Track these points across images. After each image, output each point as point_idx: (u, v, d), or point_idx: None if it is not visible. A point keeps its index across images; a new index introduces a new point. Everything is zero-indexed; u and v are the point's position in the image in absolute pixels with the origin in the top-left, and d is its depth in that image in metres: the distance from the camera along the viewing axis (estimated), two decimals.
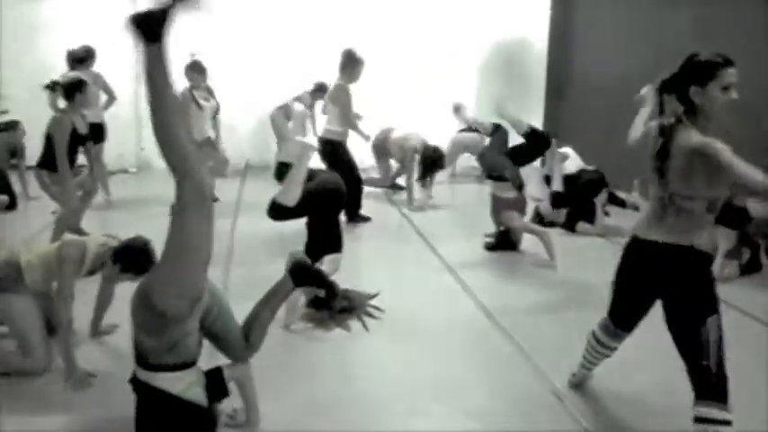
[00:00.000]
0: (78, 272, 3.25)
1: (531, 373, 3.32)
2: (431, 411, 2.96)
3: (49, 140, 4.93)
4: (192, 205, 2.18)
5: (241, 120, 8.58)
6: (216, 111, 6.86)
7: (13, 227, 6.05)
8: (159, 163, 8.19)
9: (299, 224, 4.20)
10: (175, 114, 2.14)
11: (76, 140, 4.98)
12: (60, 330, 3.12)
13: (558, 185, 6.00)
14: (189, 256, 2.25)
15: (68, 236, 3.44)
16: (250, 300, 2.69)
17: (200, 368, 2.50)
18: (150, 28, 2.02)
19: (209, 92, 6.64)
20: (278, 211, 3.97)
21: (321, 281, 2.69)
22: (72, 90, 5.00)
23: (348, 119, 6.16)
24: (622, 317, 2.83)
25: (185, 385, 2.39)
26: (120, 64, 7.43)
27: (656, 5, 7.15)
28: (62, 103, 5.22)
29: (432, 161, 6.84)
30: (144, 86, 2.10)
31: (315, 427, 2.83)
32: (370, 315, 3.73)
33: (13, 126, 6.91)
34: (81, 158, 5.20)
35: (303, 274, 2.67)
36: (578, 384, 3.12)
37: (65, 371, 3.11)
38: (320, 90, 7.51)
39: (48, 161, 4.94)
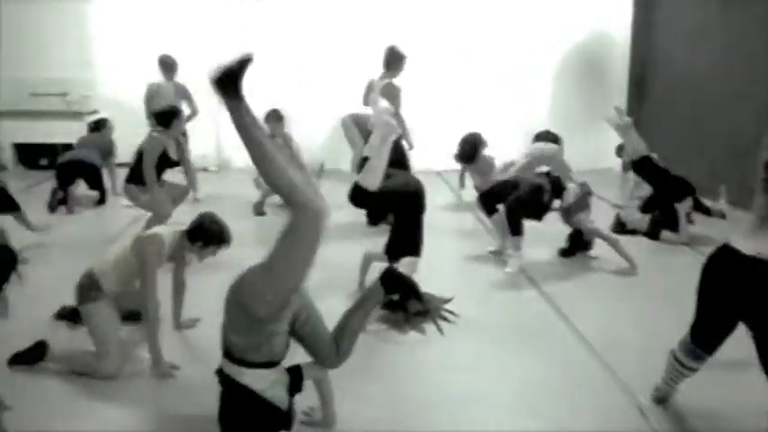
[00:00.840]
0: (161, 263, 3.38)
1: (613, 386, 3.21)
2: (510, 422, 2.90)
3: (140, 157, 5.22)
4: (304, 230, 2.25)
5: (316, 125, 8.67)
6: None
7: (103, 222, 6.38)
8: (238, 162, 8.42)
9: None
10: (275, 157, 2.23)
11: (165, 162, 5.28)
12: (147, 324, 3.24)
13: (645, 190, 5.80)
14: (291, 271, 2.32)
15: (144, 232, 3.55)
16: (327, 300, 2.72)
17: (284, 367, 2.54)
18: (231, 86, 2.17)
19: (287, 139, 6.68)
20: (357, 195, 4.03)
21: (411, 289, 2.68)
22: (170, 117, 5.30)
23: (398, 117, 6.05)
24: (705, 337, 2.68)
25: (268, 384, 2.44)
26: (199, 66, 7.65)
27: None
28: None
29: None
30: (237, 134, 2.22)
31: (390, 427, 2.84)
32: (445, 319, 3.75)
33: (102, 124, 7.27)
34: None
35: (394, 281, 2.66)
36: (663, 399, 2.98)
37: (151, 362, 3.24)
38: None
39: (136, 176, 5.24)
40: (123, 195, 5.70)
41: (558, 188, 5.10)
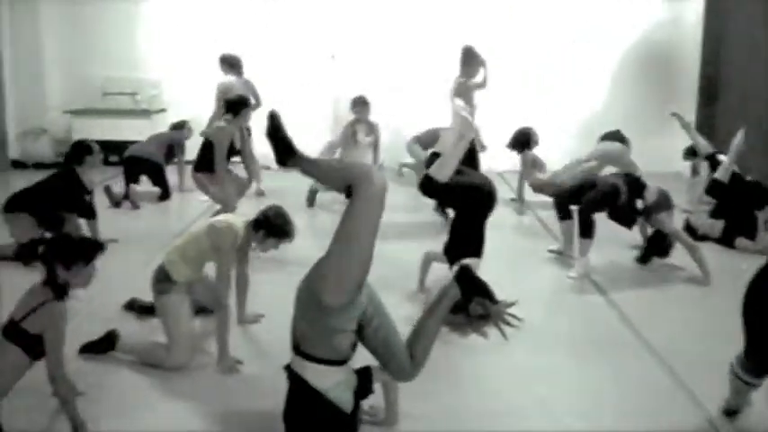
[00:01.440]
0: (233, 253, 3.45)
1: (682, 398, 3.08)
2: None
3: (207, 146, 5.38)
4: (363, 199, 2.27)
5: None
6: (374, 145, 6.98)
7: (169, 217, 6.56)
8: None
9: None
10: (330, 172, 2.48)
11: (230, 152, 5.42)
12: (218, 315, 3.31)
13: (722, 175, 5.36)
14: (352, 247, 2.31)
15: (215, 220, 3.62)
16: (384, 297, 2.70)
17: (352, 369, 2.52)
18: (289, 159, 2.47)
19: (371, 126, 6.81)
20: (428, 186, 4.06)
21: (486, 292, 2.64)
22: (239, 106, 5.44)
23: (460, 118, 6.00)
24: (759, 355, 2.56)
25: (333, 383, 2.41)
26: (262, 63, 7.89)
27: None
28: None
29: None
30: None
31: (452, 428, 2.80)
32: (508, 323, 3.67)
33: (181, 126, 7.50)
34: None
35: (470, 283, 2.62)
36: (733, 411, 2.83)
37: (218, 356, 3.30)
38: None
39: (204, 164, 5.38)
40: (191, 189, 5.85)
41: (637, 188, 4.86)
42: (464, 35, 7.07)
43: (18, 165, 8.58)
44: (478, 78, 6.35)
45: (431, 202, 6.15)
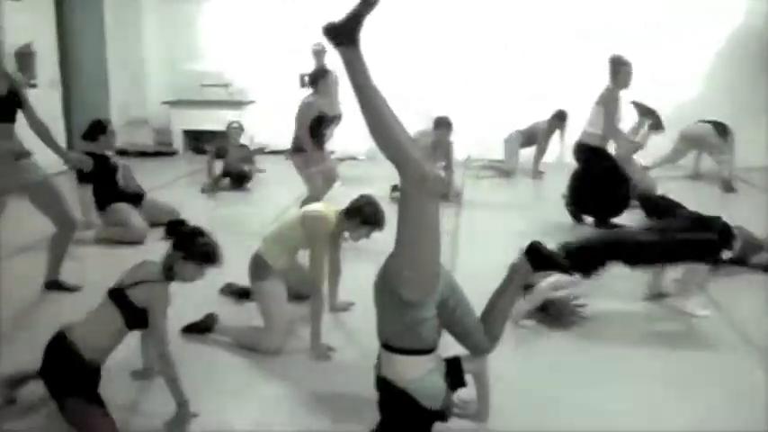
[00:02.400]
0: (326, 242, 3.49)
1: None
2: None
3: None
4: (414, 191, 2.19)
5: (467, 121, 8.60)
6: (447, 167, 6.83)
7: (263, 204, 6.73)
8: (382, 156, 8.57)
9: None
10: (384, 110, 2.14)
11: (322, 122, 5.49)
12: (312, 302, 3.36)
13: None
14: (419, 240, 2.26)
15: (309, 208, 3.67)
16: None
17: (440, 356, 2.50)
18: (344, 34, 2.08)
19: (448, 147, 6.63)
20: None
21: (558, 264, 2.63)
22: (316, 77, 5.54)
23: (610, 126, 5.62)
24: None
25: (423, 372, 2.40)
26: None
27: None
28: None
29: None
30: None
31: (544, 427, 2.73)
32: (576, 315, 3.64)
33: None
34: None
35: (540, 257, 2.59)
36: None
37: (310, 342, 3.35)
38: (559, 118, 7.78)
39: (297, 144, 5.48)
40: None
41: (726, 236, 4.04)
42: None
43: (121, 153, 9.05)
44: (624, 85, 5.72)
45: None
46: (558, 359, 3.38)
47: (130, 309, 2.59)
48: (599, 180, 5.60)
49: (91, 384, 2.55)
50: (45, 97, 7.50)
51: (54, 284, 4.11)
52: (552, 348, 3.50)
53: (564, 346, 3.53)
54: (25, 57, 7.12)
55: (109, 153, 5.40)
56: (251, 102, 9.20)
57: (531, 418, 2.80)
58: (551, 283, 3.69)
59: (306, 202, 5.42)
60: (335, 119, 6.38)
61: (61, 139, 7.34)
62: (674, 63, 8.44)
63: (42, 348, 2.62)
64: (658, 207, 4.46)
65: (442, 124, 6.44)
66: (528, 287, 3.64)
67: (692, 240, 3.80)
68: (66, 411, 2.49)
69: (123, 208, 5.25)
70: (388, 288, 2.34)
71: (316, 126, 5.45)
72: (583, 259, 3.63)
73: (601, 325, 3.77)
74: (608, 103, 5.56)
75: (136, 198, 5.48)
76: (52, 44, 7.77)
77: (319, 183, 5.51)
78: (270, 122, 8.80)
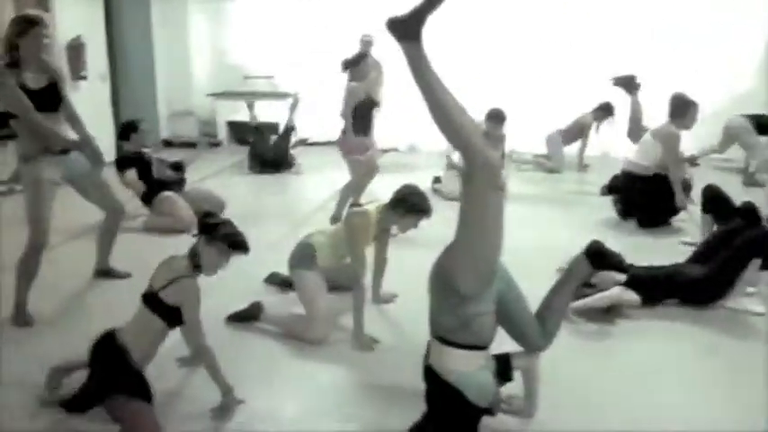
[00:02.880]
0: (368, 238, 3.48)
1: None
2: None
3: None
4: (480, 183, 2.15)
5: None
6: (502, 156, 6.74)
7: (304, 194, 6.77)
8: (425, 145, 8.52)
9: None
10: (449, 101, 2.11)
11: (368, 108, 5.55)
12: (354, 294, 3.35)
13: None
14: (480, 234, 2.22)
15: (353, 208, 3.68)
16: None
17: (491, 354, 2.46)
18: (407, 29, 2.07)
19: (500, 140, 6.55)
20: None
21: (619, 264, 2.58)
22: (353, 63, 5.59)
23: (676, 164, 5.39)
24: None
25: (475, 367, 2.36)
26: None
27: None
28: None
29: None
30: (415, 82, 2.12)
31: (591, 425, 2.66)
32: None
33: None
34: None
35: (600, 256, 2.54)
36: None
37: (353, 333, 3.35)
38: (605, 110, 7.66)
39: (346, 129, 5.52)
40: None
41: None
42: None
43: (168, 144, 9.23)
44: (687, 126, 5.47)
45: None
46: (610, 356, 3.30)
47: (166, 310, 2.62)
48: (647, 190, 5.47)
49: (137, 382, 2.59)
50: (94, 89, 7.69)
51: (104, 272, 4.20)
52: (604, 345, 3.41)
53: (615, 343, 3.45)
54: (75, 49, 7.31)
55: (144, 150, 5.55)
56: (293, 94, 9.24)
57: (579, 417, 2.73)
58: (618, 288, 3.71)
59: (347, 188, 5.45)
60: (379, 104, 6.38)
61: (110, 131, 7.54)
62: (727, 56, 8.13)
63: (91, 339, 2.67)
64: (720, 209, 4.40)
65: (496, 117, 6.34)
66: (587, 285, 3.60)
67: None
68: (111, 407, 2.53)
69: (170, 197, 5.35)
70: (443, 280, 2.31)
71: (362, 112, 5.48)
72: (647, 289, 3.75)
73: (654, 321, 3.68)
74: (669, 142, 5.34)
75: (177, 184, 5.63)
76: (101, 38, 7.94)
77: (363, 170, 5.51)
78: (311, 114, 8.85)
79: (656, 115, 5.68)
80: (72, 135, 3.70)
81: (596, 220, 5.65)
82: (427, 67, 2.11)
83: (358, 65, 5.60)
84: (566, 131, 7.93)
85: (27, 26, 3.36)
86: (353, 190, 5.44)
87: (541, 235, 5.20)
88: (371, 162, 5.66)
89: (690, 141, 6.17)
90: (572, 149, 7.98)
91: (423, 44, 2.09)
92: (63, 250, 4.73)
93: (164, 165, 5.72)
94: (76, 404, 2.59)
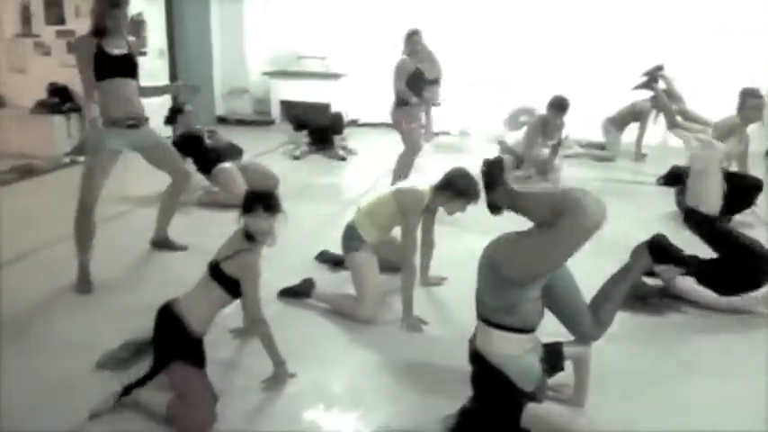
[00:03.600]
0: (418, 216, 3.48)
1: None
2: None
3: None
4: (572, 225, 2.14)
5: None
6: (558, 143, 6.62)
7: (356, 174, 6.80)
8: (477, 129, 8.43)
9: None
10: (541, 204, 2.22)
11: (418, 80, 5.60)
12: (403, 275, 3.37)
13: None
14: (545, 254, 2.23)
15: (402, 184, 3.67)
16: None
17: (538, 338, 2.45)
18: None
19: (559, 128, 6.41)
20: (692, 218, 3.81)
21: (679, 259, 2.56)
22: (407, 39, 5.60)
23: (744, 158, 5.22)
24: None
25: (520, 351, 2.36)
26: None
27: None
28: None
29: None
30: None
31: (639, 418, 2.62)
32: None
33: None
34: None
35: (662, 249, 2.51)
36: None
37: (403, 313, 3.37)
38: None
39: (398, 100, 5.55)
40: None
41: None
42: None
43: (221, 121, 9.39)
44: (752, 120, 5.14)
45: None
46: (661, 350, 3.23)
47: (228, 281, 2.68)
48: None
49: (194, 350, 2.66)
50: (153, 66, 7.87)
51: (161, 243, 4.34)
52: (655, 339, 3.34)
53: (666, 336, 3.38)
54: (136, 25, 7.48)
55: (193, 129, 5.73)
56: (344, 75, 9.26)
57: (626, 409, 2.69)
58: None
59: (402, 158, 5.48)
60: (435, 81, 6.33)
61: (167, 107, 7.70)
62: None
63: (149, 308, 2.76)
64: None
65: (559, 105, 6.22)
66: (649, 274, 3.54)
67: None
68: (170, 374, 2.60)
69: (229, 170, 5.45)
70: (494, 265, 2.31)
71: (412, 83, 5.52)
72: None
73: (701, 318, 3.58)
74: (733, 134, 4.98)
75: (234, 152, 5.77)
76: (161, 15, 8.10)
77: (417, 138, 5.57)
78: (361, 96, 8.87)
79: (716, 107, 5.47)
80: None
81: (653, 212, 5.51)
82: (528, 200, 2.34)
83: (409, 38, 5.62)
84: (618, 118, 7.70)
85: (114, 3, 3.58)
86: (402, 166, 5.48)
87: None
88: (416, 135, 5.66)
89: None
90: (625, 137, 7.76)
91: (511, 190, 2.40)
92: (124, 221, 4.89)
93: (218, 136, 5.88)
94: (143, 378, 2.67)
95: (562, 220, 2.13)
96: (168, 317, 2.66)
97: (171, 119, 5.85)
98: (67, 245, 3.78)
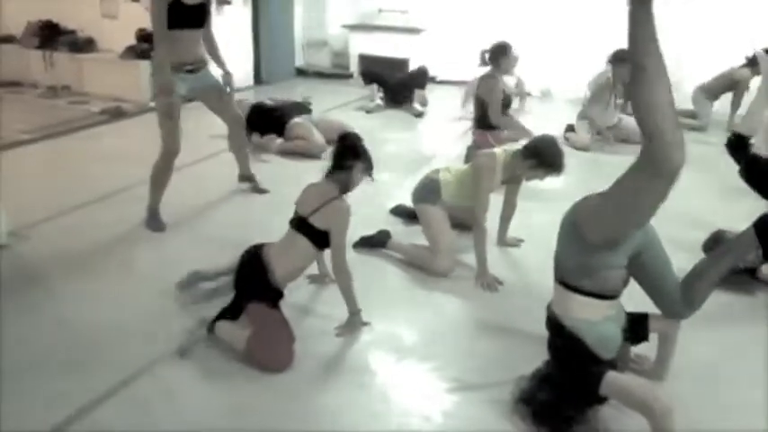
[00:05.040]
0: (494, 180, 3.40)
1: None
2: None
3: (480, 102, 5.28)
4: (649, 169, 1.94)
5: None
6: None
7: (428, 133, 6.72)
8: (559, 91, 8.12)
9: None
10: (653, 76, 1.84)
11: (507, 105, 5.43)
12: (474, 233, 3.33)
13: None
14: (627, 208, 2.07)
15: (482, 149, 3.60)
16: None
17: (622, 306, 2.35)
18: None
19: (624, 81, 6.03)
20: (752, 167, 3.53)
21: None
22: (496, 54, 5.16)
23: None
24: None
25: (599, 317, 2.27)
26: None
27: None
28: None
29: None
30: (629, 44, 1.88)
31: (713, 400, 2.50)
32: None
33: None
34: None
35: None
36: None
37: (477, 271, 3.33)
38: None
39: (482, 121, 5.31)
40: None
41: None
42: None
43: (301, 72, 9.43)
44: None
45: None
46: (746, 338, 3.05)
47: (317, 234, 2.70)
48: None
49: (274, 297, 2.72)
50: (237, 14, 7.95)
51: (247, 178, 4.56)
52: (743, 324, 3.17)
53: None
54: None
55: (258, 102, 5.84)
56: (424, 30, 9.08)
57: (701, 391, 2.57)
58: None
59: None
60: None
61: (249, 55, 7.84)
62: None
63: (232, 249, 2.83)
64: None
65: (622, 59, 5.61)
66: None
67: None
68: (250, 312, 2.67)
69: (302, 123, 5.49)
70: (575, 227, 2.21)
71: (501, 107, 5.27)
72: None
73: None
74: None
75: (302, 109, 5.84)
76: None
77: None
78: (439, 52, 8.67)
79: None
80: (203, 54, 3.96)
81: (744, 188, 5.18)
82: (650, 33, 1.85)
83: (506, 56, 5.19)
84: (711, 86, 7.23)
85: None
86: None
87: (686, 202, 4.86)
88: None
89: None
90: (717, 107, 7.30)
91: (652, 8, 1.84)
92: (204, 166, 5.03)
93: (281, 99, 5.97)
94: (224, 313, 2.75)
95: (646, 162, 1.95)
96: (254, 262, 2.71)
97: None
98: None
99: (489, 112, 5.20)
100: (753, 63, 6.91)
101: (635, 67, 1.89)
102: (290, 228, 2.78)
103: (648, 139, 1.88)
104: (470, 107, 6.10)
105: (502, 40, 5.28)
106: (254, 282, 2.70)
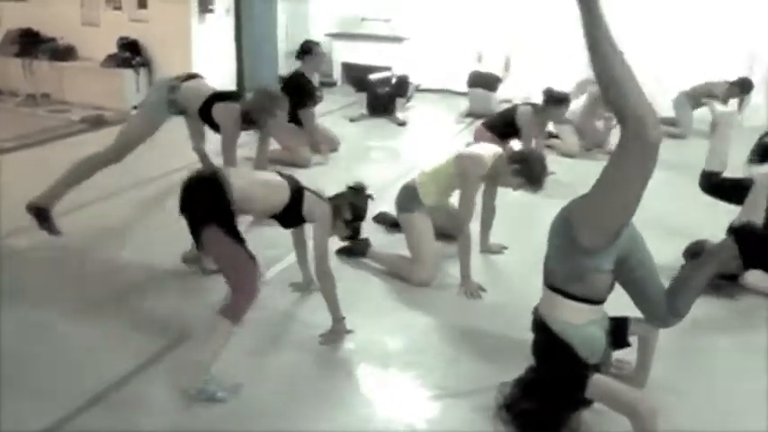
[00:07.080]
0: (478, 183, 3.41)
1: None
2: None
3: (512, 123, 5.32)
4: (629, 145, 1.98)
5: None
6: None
7: (411, 140, 6.74)
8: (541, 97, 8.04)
9: None
10: (622, 78, 1.91)
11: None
12: (459, 241, 3.34)
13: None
14: (614, 194, 2.09)
15: (465, 149, 3.61)
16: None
17: (605, 311, 2.37)
18: None
19: None
20: (706, 181, 3.57)
21: None
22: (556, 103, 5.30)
23: None
24: None
25: (585, 321, 2.29)
26: None
27: None
28: None
29: None
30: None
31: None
32: None
33: None
34: None
35: (751, 239, 2.34)
36: None
37: (461, 279, 3.34)
38: (741, 87, 7.07)
39: (501, 130, 5.33)
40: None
41: None
42: None
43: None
44: None
45: None
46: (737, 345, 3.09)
47: (294, 211, 2.74)
48: None
49: (231, 219, 2.53)
50: (220, 23, 7.93)
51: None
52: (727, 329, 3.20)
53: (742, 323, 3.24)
54: None
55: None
56: (407, 38, 9.12)
57: (686, 398, 2.60)
58: None
59: None
60: None
61: (231, 63, 7.81)
62: None
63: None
64: None
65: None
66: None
67: None
68: (205, 240, 2.50)
69: (294, 131, 5.46)
70: (565, 228, 2.23)
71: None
72: None
73: None
74: None
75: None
76: None
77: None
78: (423, 61, 8.71)
79: None
80: None
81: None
82: (604, 33, 1.92)
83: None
84: (696, 92, 7.31)
85: None
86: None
87: (665, 209, 4.92)
88: None
89: None
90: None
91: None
92: None
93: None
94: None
95: (624, 139, 1.97)
96: (211, 183, 2.55)
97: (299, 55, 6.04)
98: (133, 194, 3.88)
99: (521, 138, 5.28)
100: (743, 87, 7.01)
101: (601, 74, 1.94)
102: (286, 185, 2.76)
103: (621, 118, 1.94)
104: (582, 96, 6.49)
105: (562, 92, 5.39)
106: (208, 201, 2.51)
